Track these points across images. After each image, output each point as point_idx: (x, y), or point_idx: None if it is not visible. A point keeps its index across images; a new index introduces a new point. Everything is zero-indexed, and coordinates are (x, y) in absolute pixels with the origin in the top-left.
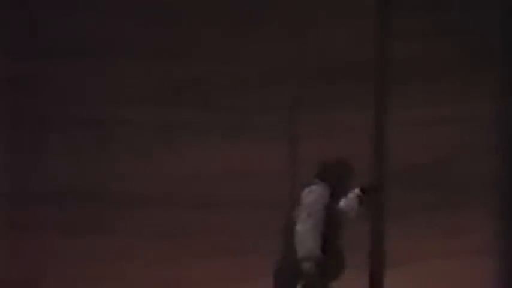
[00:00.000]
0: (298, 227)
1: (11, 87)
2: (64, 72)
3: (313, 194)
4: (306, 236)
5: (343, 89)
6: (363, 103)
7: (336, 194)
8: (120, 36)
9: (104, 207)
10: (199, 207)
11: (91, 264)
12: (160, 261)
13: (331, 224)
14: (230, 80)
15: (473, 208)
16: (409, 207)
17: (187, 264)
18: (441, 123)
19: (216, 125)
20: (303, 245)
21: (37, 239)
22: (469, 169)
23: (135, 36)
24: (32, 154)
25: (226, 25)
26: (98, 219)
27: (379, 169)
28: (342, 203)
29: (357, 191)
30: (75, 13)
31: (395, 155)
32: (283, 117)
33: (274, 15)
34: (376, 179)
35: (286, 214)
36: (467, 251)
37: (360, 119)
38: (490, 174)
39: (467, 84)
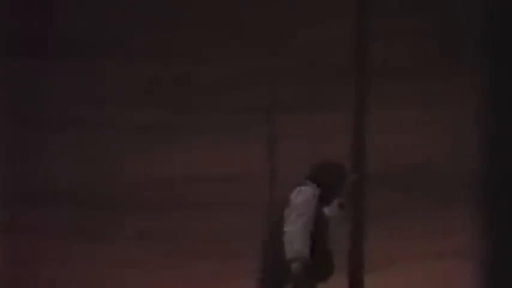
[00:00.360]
0: (287, 228)
1: None
2: (39, 73)
3: (302, 195)
4: (295, 237)
5: (323, 90)
6: (343, 104)
7: (326, 197)
8: (101, 37)
9: (79, 209)
10: (178, 210)
11: (62, 265)
12: (137, 264)
13: (319, 226)
14: (209, 80)
15: (455, 209)
16: (389, 208)
17: (165, 267)
18: (422, 124)
19: (194, 126)
20: (291, 246)
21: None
22: (450, 170)
23: (115, 36)
24: (7, 155)
25: (206, 25)
26: (73, 222)
27: (359, 170)
28: (325, 209)
29: (336, 201)
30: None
31: (376, 156)
32: (262, 119)
33: (255, 16)
34: (356, 180)
35: (273, 214)
36: (448, 252)
37: (340, 120)
38: (470, 175)
39: (447, 85)
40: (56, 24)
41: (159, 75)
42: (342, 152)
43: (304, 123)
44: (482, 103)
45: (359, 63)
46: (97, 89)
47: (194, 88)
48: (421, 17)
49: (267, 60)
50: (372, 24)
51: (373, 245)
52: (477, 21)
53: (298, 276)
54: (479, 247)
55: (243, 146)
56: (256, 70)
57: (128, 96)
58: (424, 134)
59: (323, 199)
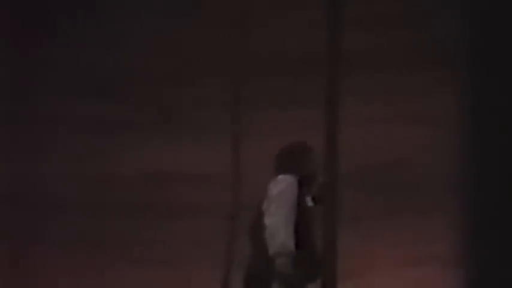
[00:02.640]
0: (267, 221)
1: None
2: None
3: (280, 185)
4: (277, 230)
5: (293, 83)
6: (314, 99)
7: (304, 183)
8: (52, 27)
9: (30, 210)
10: (135, 214)
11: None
12: (95, 272)
13: (303, 215)
14: (167, 73)
15: (435, 213)
16: (364, 212)
17: (123, 275)
18: (400, 121)
19: (152, 123)
20: (274, 241)
21: None
22: (430, 171)
23: (65, 26)
24: None
25: (164, 15)
26: (24, 224)
27: (332, 170)
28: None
29: (308, 199)
30: None
31: (350, 155)
32: (227, 115)
33: (216, 3)
34: (328, 180)
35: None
36: (427, 259)
37: (311, 116)
38: (451, 176)
39: (428, 80)
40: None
41: (114, 66)
42: (314, 147)
43: (272, 119)
44: (466, 101)
45: (332, 55)
46: (45, 79)
47: (149, 82)
48: (398, 7)
49: (232, 52)
50: (346, 13)
51: (346, 251)
52: (458, 15)
53: (284, 271)
54: (460, 254)
55: (204, 144)
56: (221, 62)
57: (80, 89)
58: (403, 132)
59: (303, 185)
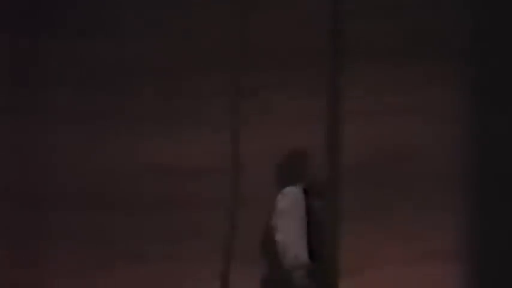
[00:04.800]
0: (278, 237)
1: None
2: None
3: (287, 198)
4: (288, 245)
5: (294, 74)
6: (315, 90)
7: (310, 191)
8: (49, 17)
9: (30, 203)
10: (134, 207)
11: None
12: (86, 267)
13: (313, 226)
14: (167, 65)
15: (436, 208)
16: (364, 206)
17: (123, 268)
18: (402, 113)
19: (147, 114)
20: (287, 255)
21: None
22: (431, 165)
23: (62, 16)
24: None
25: (163, 5)
26: (23, 218)
27: (332, 164)
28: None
29: (317, 206)
30: None
31: (350, 148)
32: (227, 106)
33: None
34: (329, 175)
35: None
36: (429, 255)
37: (312, 107)
38: (453, 171)
39: (430, 72)
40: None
41: (113, 58)
42: (316, 141)
43: (271, 111)
44: (467, 93)
45: (334, 46)
46: (44, 71)
47: (144, 70)
48: None
49: (232, 41)
50: (346, 4)
51: (347, 247)
52: (460, 5)
53: (301, 284)
54: (460, 249)
55: (202, 136)
56: (220, 52)
57: (79, 81)
58: (404, 125)
59: (309, 195)
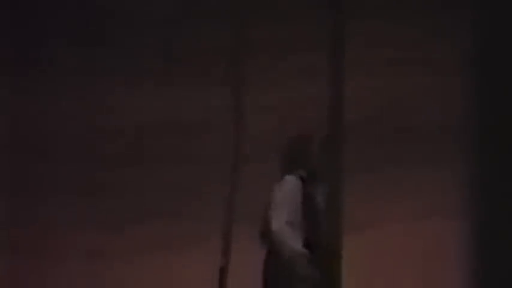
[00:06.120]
0: (274, 227)
1: None
2: None
3: (283, 187)
4: (284, 236)
5: (295, 28)
6: (317, 45)
7: (310, 179)
8: None
9: (29, 157)
10: (134, 164)
11: None
12: (96, 223)
13: (313, 215)
14: (167, 19)
15: (440, 164)
16: (367, 164)
17: (122, 225)
18: (404, 65)
19: (151, 71)
20: (283, 247)
21: None
22: (433, 120)
23: None
24: None
25: None
26: (21, 171)
27: (336, 120)
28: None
29: (317, 194)
30: None
31: (352, 103)
32: (228, 62)
33: None
34: (332, 130)
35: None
36: (432, 212)
37: (314, 61)
38: (454, 125)
39: (431, 26)
40: None
41: (112, 12)
42: (319, 96)
43: (274, 65)
44: (473, 45)
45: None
46: (44, 27)
47: (143, 23)
48: None
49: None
50: None
51: (351, 204)
52: None
53: (303, 273)
54: (465, 207)
55: (205, 92)
56: (222, 7)
57: (77, 35)
58: (408, 77)
59: (307, 183)
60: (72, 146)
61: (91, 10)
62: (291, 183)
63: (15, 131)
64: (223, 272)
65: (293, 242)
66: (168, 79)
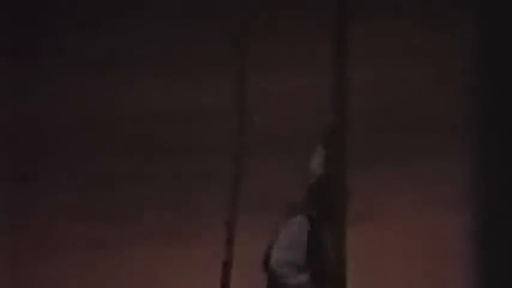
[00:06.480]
0: (272, 264)
1: None
2: None
3: (289, 229)
4: (281, 274)
5: (301, 14)
6: (321, 33)
7: (319, 219)
8: None
9: (30, 146)
10: (136, 152)
11: None
12: (89, 218)
13: (319, 254)
14: (169, 7)
15: (444, 154)
16: (372, 154)
17: (128, 212)
18: (411, 54)
19: (153, 59)
20: (279, 282)
21: None
22: (439, 110)
23: None
24: None
25: None
26: (22, 159)
27: (341, 110)
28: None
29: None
30: None
31: (358, 93)
32: (232, 49)
33: None
34: (337, 119)
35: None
36: (437, 203)
37: (318, 49)
38: (461, 116)
39: (437, 17)
40: None
41: None
42: (322, 84)
43: (278, 54)
44: (472, 36)
45: None
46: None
47: (144, 15)
48: None
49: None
50: None
51: (355, 194)
52: None
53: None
54: (470, 197)
55: (207, 80)
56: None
57: (78, 23)
58: (414, 67)
59: (318, 221)
60: (72, 137)
61: None
62: (297, 225)
63: (16, 121)
64: (226, 265)
65: (293, 277)
66: (169, 69)
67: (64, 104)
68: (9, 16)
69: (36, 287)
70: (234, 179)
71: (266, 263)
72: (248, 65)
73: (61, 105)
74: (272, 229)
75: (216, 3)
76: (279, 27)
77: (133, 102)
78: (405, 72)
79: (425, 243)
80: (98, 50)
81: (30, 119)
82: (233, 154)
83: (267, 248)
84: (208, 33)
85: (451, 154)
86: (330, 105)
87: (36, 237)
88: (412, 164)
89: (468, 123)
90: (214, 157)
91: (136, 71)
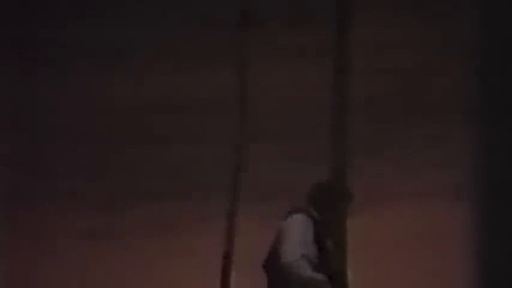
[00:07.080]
0: (289, 258)
1: None
2: None
3: (293, 223)
4: (292, 268)
5: (301, 3)
6: (323, 21)
7: (321, 224)
8: None
9: (35, 138)
10: (137, 143)
11: None
12: (92, 207)
13: (323, 255)
14: None
15: (446, 142)
16: (374, 141)
17: (130, 205)
18: (412, 46)
19: (154, 48)
20: (291, 278)
21: None
22: (441, 99)
23: None
24: None
25: None
26: (26, 151)
27: (342, 99)
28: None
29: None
30: None
31: (360, 82)
32: (233, 38)
33: None
34: (339, 110)
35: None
36: (438, 190)
37: (321, 38)
38: (463, 105)
39: (440, 5)
40: None
41: None
42: (323, 73)
43: (279, 44)
44: (473, 26)
45: None
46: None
47: (154, 4)
48: None
49: None
50: None
51: (356, 183)
52: None
53: None
54: (473, 186)
55: (208, 69)
56: None
57: (79, 12)
58: (414, 54)
59: (321, 225)
60: (72, 127)
61: None
62: (301, 221)
63: (18, 112)
64: (227, 257)
65: (311, 272)
66: (169, 59)
67: (60, 95)
68: (9, 10)
69: (29, 277)
70: (235, 170)
71: (267, 263)
72: (249, 55)
73: (57, 96)
74: (273, 230)
75: None
76: (281, 19)
77: (132, 92)
78: (405, 63)
79: (425, 232)
80: (97, 39)
81: (27, 112)
82: (234, 144)
83: (271, 249)
84: (208, 23)
85: (454, 143)
86: (331, 95)
87: (30, 227)
88: (412, 151)
89: (469, 114)
90: (215, 147)
91: (135, 61)
